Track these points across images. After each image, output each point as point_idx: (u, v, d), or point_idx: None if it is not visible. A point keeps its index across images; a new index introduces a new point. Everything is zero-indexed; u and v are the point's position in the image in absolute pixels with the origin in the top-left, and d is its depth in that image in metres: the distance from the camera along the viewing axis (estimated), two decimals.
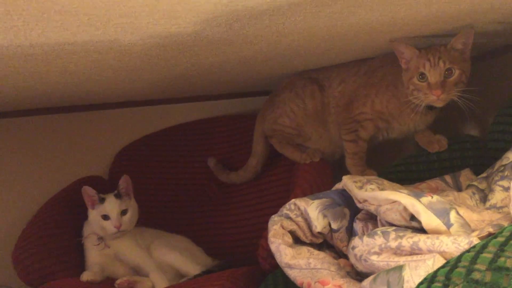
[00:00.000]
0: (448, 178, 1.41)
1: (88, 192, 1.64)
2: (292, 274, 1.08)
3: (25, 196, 1.89)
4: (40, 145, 1.97)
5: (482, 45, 1.62)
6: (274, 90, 1.84)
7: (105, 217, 1.63)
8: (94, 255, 1.67)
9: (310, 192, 1.47)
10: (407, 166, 1.56)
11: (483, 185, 1.26)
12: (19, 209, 1.85)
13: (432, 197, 0.96)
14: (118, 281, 1.56)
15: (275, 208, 1.88)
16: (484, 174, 1.31)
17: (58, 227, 1.75)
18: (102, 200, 1.65)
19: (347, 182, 1.19)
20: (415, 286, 0.77)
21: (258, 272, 1.44)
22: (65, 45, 1.07)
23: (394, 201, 0.99)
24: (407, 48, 1.40)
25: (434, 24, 1.23)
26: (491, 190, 1.20)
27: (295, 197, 1.40)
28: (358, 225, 1.17)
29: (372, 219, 1.17)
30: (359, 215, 1.19)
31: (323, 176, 1.69)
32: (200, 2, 0.87)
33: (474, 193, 1.23)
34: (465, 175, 1.41)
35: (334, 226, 1.19)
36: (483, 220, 1.01)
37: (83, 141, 2.04)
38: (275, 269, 1.36)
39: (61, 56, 1.16)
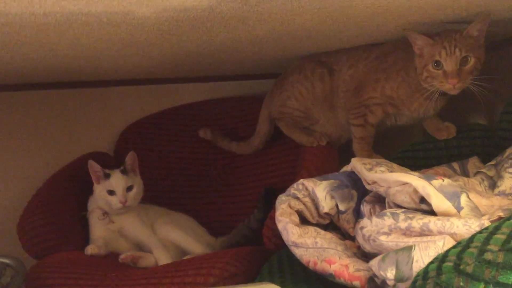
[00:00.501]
0: (455, 165, 1.41)
1: (93, 167, 1.65)
2: (299, 252, 1.09)
3: (32, 169, 1.91)
4: (47, 119, 1.98)
5: (495, 34, 1.61)
6: (282, 73, 1.83)
7: (111, 193, 1.64)
8: (98, 229, 1.68)
9: (316, 174, 1.47)
10: (415, 153, 1.56)
11: (491, 172, 1.26)
12: (25, 182, 1.87)
13: (443, 180, 0.96)
14: (122, 256, 1.58)
15: (279, 190, 1.90)
16: (493, 162, 1.31)
17: (63, 201, 1.76)
18: (107, 176, 1.66)
19: (356, 164, 1.19)
20: (424, 266, 0.77)
21: (262, 252, 1.44)
22: (79, 15, 1.06)
23: (405, 183, 0.99)
24: (420, 37, 1.39)
25: (450, 8, 1.22)
26: (500, 177, 1.20)
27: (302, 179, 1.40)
28: (365, 207, 1.17)
29: (380, 201, 1.17)
30: (366, 198, 1.20)
31: (329, 160, 1.70)
32: None
33: (483, 179, 1.23)
34: (473, 163, 1.41)
35: (342, 207, 1.20)
36: (492, 205, 1.01)
37: (90, 117, 2.04)
38: (279, 249, 1.37)
39: (73, 27, 1.16)
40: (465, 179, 1.21)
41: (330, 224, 1.26)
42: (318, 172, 1.57)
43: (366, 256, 1.07)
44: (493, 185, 1.20)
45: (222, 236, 1.86)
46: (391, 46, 1.56)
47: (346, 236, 1.22)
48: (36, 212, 1.68)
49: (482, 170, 1.28)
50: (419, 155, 1.55)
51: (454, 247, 0.73)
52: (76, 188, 1.82)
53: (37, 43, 1.31)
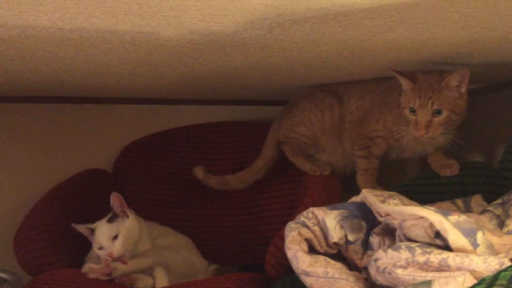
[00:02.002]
0: (459, 202, 1.42)
1: (80, 230, 1.59)
2: (309, 281, 1.08)
3: (30, 182, 1.89)
4: (48, 133, 1.97)
5: (496, 76, 1.65)
6: (292, 99, 1.86)
7: (100, 248, 1.55)
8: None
9: (320, 203, 1.47)
10: (417, 187, 1.57)
11: (498, 211, 1.27)
12: (23, 195, 1.84)
13: (459, 216, 0.98)
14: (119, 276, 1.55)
15: (277, 217, 1.90)
16: (499, 201, 1.33)
17: (60, 217, 1.73)
18: (92, 232, 1.58)
19: (368, 196, 1.20)
20: None
21: (264, 279, 1.43)
22: (104, 33, 1.07)
23: (421, 217, 1.00)
24: (404, 79, 1.44)
25: (464, 48, 1.25)
26: (509, 216, 1.21)
27: (305, 207, 1.40)
28: (374, 239, 1.17)
29: (389, 234, 1.18)
30: (375, 230, 1.20)
31: (333, 190, 1.70)
32: (252, 1, 0.88)
33: (492, 218, 1.24)
34: (476, 201, 1.42)
35: (351, 238, 1.20)
36: (504, 244, 1.02)
37: (91, 133, 2.04)
38: (281, 277, 1.36)
39: (95, 44, 1.16)
40: (476, 216, 1.23)
41: (336, 255, 1.26)
42: (322, 201, 1.57)
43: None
44: (501, 224, 1.22)
45: (215, 263, 1.85)
46: (398, 81, 1.59)
47: (352, 267, 1.22)
48: (33, 227, 1.65)
49: (488, 208, 1.29)
50: (422, 189, 1.56)
51: (478, 283, 0.73)
52: (74, 204, 1.79)
53: (53, 57, 1.31)
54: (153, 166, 2.06)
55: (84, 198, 1.84)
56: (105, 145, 2.05)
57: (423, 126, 1.39)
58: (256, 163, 1.91)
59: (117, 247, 1.51)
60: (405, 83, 1.45)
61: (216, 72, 1.52)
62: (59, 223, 1.70)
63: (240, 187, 1.93)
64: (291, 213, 1.64)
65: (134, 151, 2.07)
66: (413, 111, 1.42)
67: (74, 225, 1.58)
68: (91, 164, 1.99)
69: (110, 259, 1.49)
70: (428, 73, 1.44)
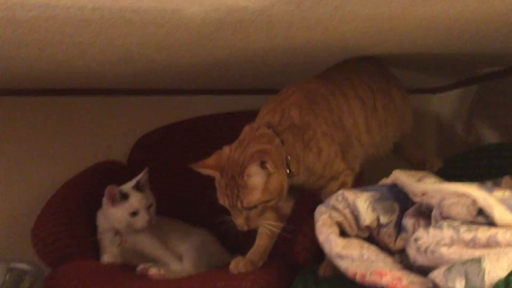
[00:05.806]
0: (489, 184, 1.39)
1: (111, 191, 1.59)
2: (344, 264, 1.04)
3: (47, 174, 1.88)
4: (63, 125, 1.96)
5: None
6: None
7: (134, 214, 1.59)
8: (111, 250, 1.62)
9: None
10: (445, 170, 1.54)
11: None
12: (39, 187, 1.83)
13: (504, 192, 0.94)
14: (140, 267, 1.52)
15: (301, 204, 1.86)
16: None
17: (77, 208, 1.72)
18: (125, 196, 1.60)
19: (401, 176, 1.16)
20: (498, 277, 0.74)
21: (292, 266, 1.40)
22: (126, 12, 1.04)
23: (462, 194, 0.97)
24: (209, 171, 1.31)
25: (494, 23, 1.21)
26: None
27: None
28: (408, 221, 1.14)
29: (423, 215, 1.14)
30: (409, 211, 1.16)
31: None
32: None
33: None
34: (506, 182, 1.39)
35: (383, 220, 1.16)
36: None
37: (106, 125, 2.03)
38: (309, 264, 1.33)
39: (115, 25, 1.13)
40: None
41: (367, 240, 1.22)
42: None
43: (411, 269, 1.03)
44: None
45: (238, 254, 1.82)
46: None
47: (384, 250, 1.18)
48: (51, 218, 1.64)
49: None
50: (449, 172, 1.53)
51: None
52: (91, 196, 1.77)
53: (70, 43, 1.27)
54: (168, 157, 2.04)
55: (99, 189, 1.81)
56: (119, 136, 2.04)
57: (243, 224, 1.27)
58: None
59: (152, 214, 1.63)
60: (213, 174, 1.30)
61: (235, 57, 1.49)
62: (76, 214, 1.69)
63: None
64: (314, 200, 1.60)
65: (148, 142, 2.05)
66: None
67: (110, 187, 1.59)
68: (106, 156, 1.98)
69: (147, 224, 1.59)
70: (231, 158, 1.28)
